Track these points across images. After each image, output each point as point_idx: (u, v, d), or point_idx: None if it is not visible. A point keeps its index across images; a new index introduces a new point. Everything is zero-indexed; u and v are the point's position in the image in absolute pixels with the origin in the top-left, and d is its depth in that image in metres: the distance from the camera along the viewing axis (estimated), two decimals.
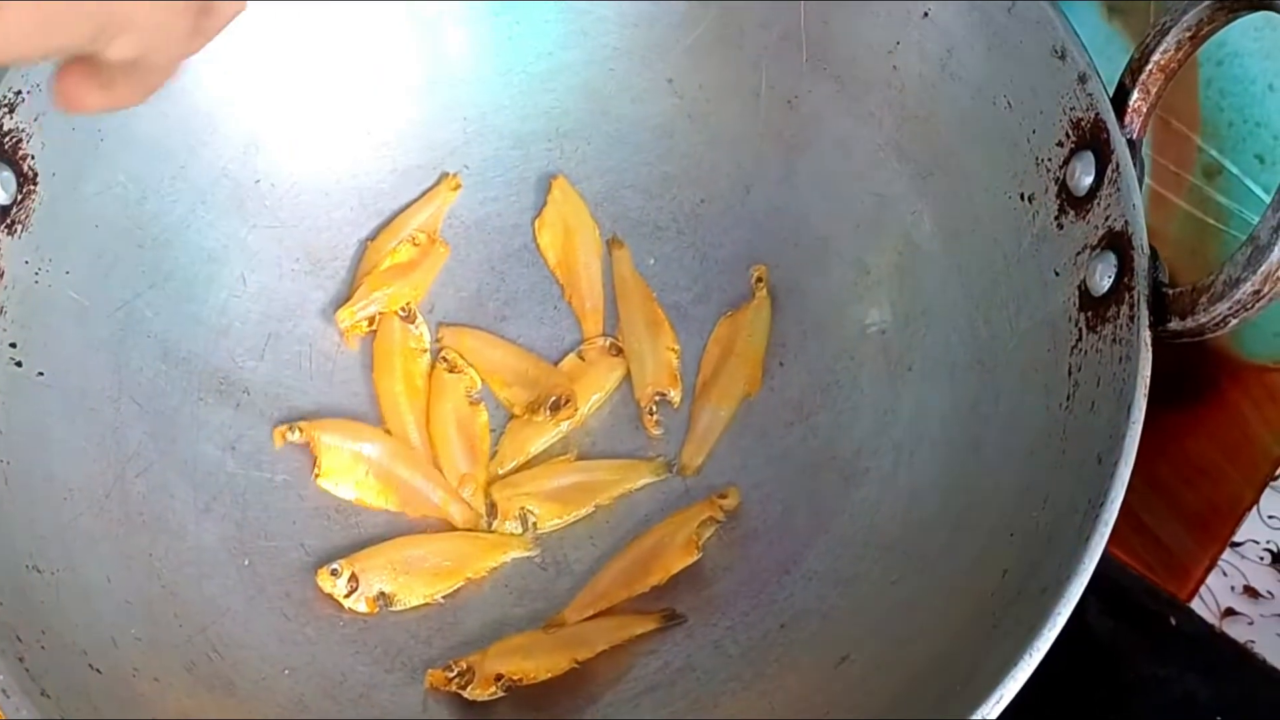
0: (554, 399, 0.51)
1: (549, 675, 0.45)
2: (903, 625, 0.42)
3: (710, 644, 0.45)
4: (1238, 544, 0.54)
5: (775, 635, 0.45)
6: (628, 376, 0.53)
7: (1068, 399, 0.40)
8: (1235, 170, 0.46)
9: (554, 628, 0.46)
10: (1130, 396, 0.37)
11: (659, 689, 0.44)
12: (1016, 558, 0.39)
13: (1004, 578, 0.38)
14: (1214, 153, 0.47)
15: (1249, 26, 0.43)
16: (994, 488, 0.42)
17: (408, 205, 0.55)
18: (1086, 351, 0.40)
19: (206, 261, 0.51)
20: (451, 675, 0.44)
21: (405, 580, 0.47)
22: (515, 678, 0.44)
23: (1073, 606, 0.34)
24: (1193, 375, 0.52)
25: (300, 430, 0.50)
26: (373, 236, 0.55)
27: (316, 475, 0.50)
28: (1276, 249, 0.34)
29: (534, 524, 0.49)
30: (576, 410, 0.51)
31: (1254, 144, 0.45)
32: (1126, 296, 0.39)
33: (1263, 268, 0.35)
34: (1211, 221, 0.48)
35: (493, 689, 0.44)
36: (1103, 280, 0.40)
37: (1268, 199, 0.44)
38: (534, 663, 0.45)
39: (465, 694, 0.44)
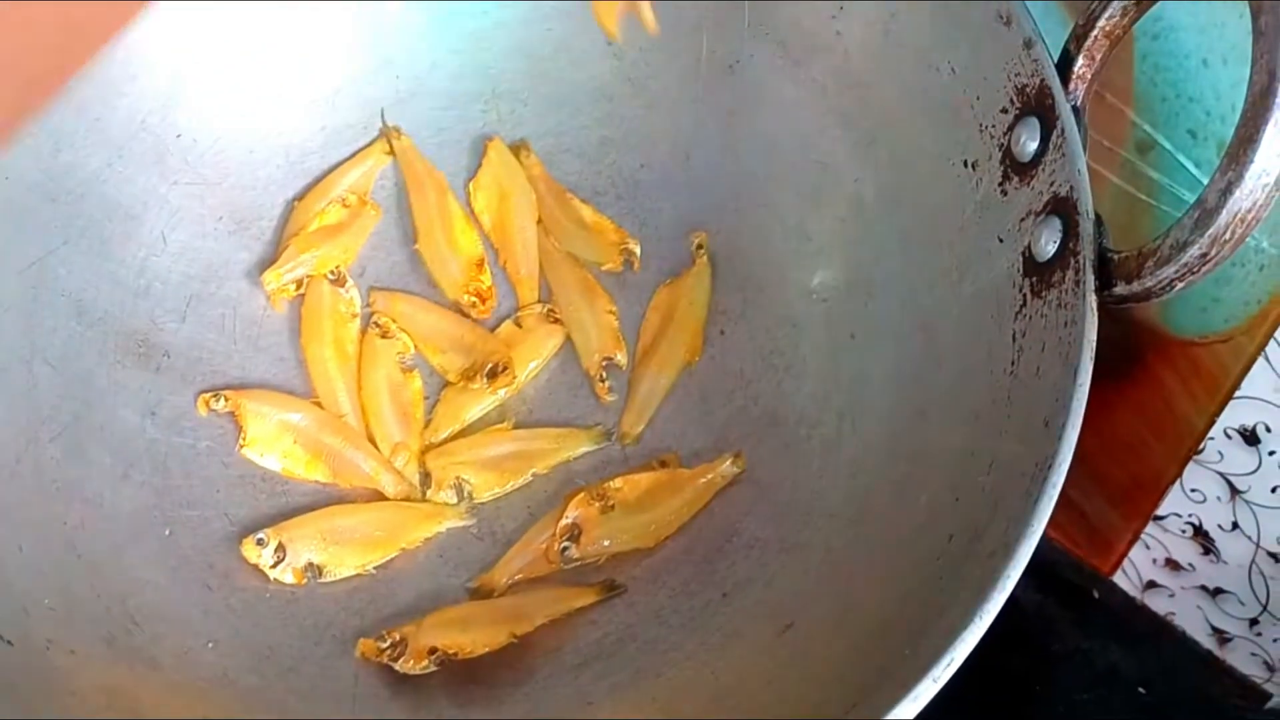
0: (491, 366, 0.49)
1: (486, 649, 0.43)
2: (847, 592, 0.41)
3: (651, 614, 0.45)
4: (1160, 517, 0.54)
5: (717, 604, 0.44)
6: (566, 344, 0.52)
7: (1012, 364, 0.40)
8: (1168, 145, 0.46)
9: (484, 591, 0.45)
10: (1077, 360, 0.37)
11: (599, 660, 0.44)
12: (962, 522, 0.38)
13: (950, 542, 0.38)
14: (1147, 127, 0.47)
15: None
16: (938, 453, 0.42)
17: (337, 165, 0.53)
18: (1031, 317, 0.40)
19: (124, 218, 0.49)
20: (384, 646, 0.43)
21: (335, 550, 0.46)
22: (450, 651, 0.43)
23: (1022, 568, 0.34)
24: (1119, 350, 0.52)
25: (226, 399, 0.48)
26: (300, 196, 0.53)
27: (241, 445, 0.48)
28: (1224, 212, 0.34)
29: (470, 493, 0.48)
30: (515, 378, 0.50)
31: (1187, 119, 0.45)
32: (1072, 261, 0.38)
33: (1210, 231, 0.35)
34: (1144, 197, 0.48)
35: (425, 662, 0.43)
36: (1048, 246, 0.40)
37: (1199, 174, 0.44)
38: (470, 636, 0.43)
39: (397, 667, 0.43)
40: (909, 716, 0.32)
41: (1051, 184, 0.40)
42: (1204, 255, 0.35)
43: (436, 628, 0.44)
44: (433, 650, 0.43)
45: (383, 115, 0.54)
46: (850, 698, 0.35)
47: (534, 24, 0.54)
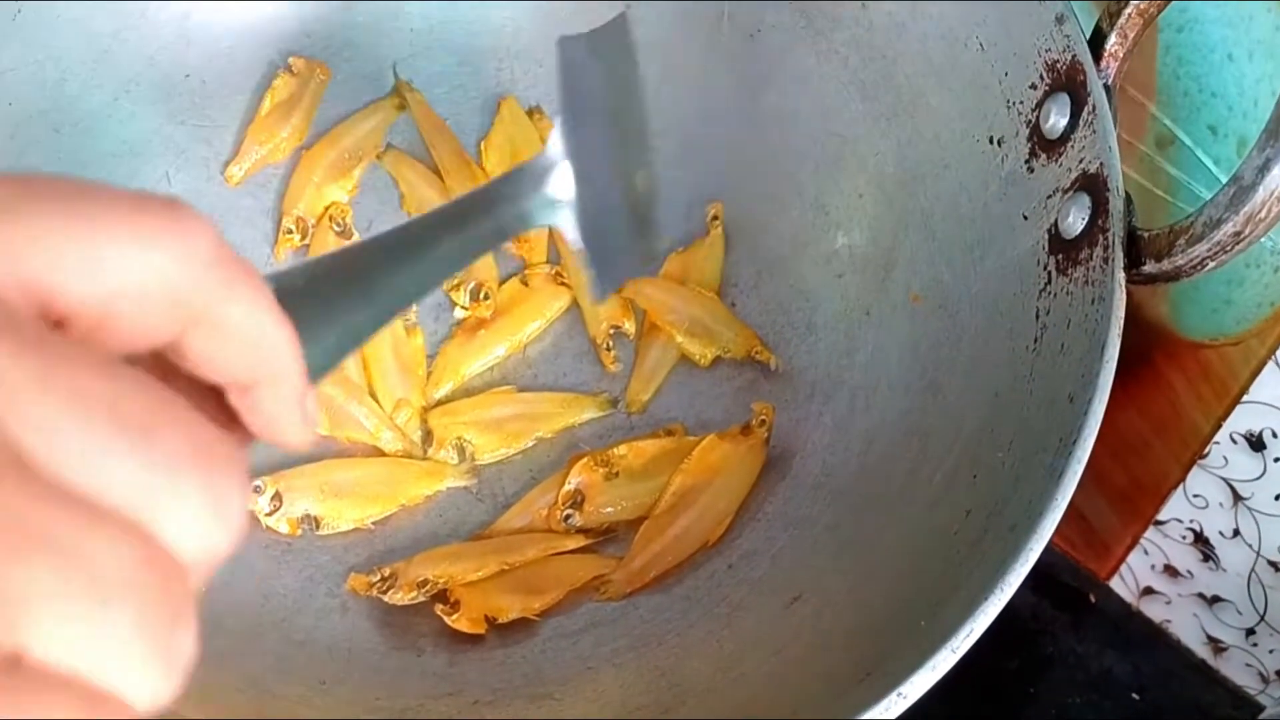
0: (474, 285, 0.49)
1: (477, 575, 0.43)
2: (856, 565, 0.41)
3: (654, 582, 0.44)
4: (1161, 522, 0.53)
5: (723, 575, 0.44)
6: (572, 310, 0.51)
7: (1035, 341, 0.39)
8: (1187, 141, 0.46)
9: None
10: (1104, 336, 0.36)
11: (601, 625, 0.43)
12: (980, 498, 0.37)
13: (967, 517, 0.37)
14: (1168, 122, 0.46)
15: None
16: (955, 430, 0.41)
17: (347, 116, 0.52)
18: (1056, 294, 0.39)
19: (128, 155, 0.48)
20: (374, 580, 0.42)
21: (334, 503, 0.45)
22: (440, 581, 0.42)
23: (1045, 542, 0.33)
24: (1127, 350, 0.52)
25: None
26: (309, 145, 0.51)
27: None
28: (1261, 189, 0.34)
29: (471, 454, 0.47)
30: (494, 306, 0.49)
31: (1208, 114, 0.45)
32: (1100, 239, 0.38)
33: (1246, 208, 0.34)
34: (1160, 193, 0.47)
35: (415, 593, 0.42)
36: (1075, 223, 0.39)
37: (1218, 171, 0.44)
38: (461, 566, 0.43)
39: (386, 599, 0.42)
40: (926, 686, 0.31)
41: (1081, 161, 0.40)
42: (1238, 233, 0.35)
43: (427, 561, 0.43)
44: (423, 582, 0.42)
45: (394, 70, 0.53)
46: (863, 667, 0.34)
47: None
